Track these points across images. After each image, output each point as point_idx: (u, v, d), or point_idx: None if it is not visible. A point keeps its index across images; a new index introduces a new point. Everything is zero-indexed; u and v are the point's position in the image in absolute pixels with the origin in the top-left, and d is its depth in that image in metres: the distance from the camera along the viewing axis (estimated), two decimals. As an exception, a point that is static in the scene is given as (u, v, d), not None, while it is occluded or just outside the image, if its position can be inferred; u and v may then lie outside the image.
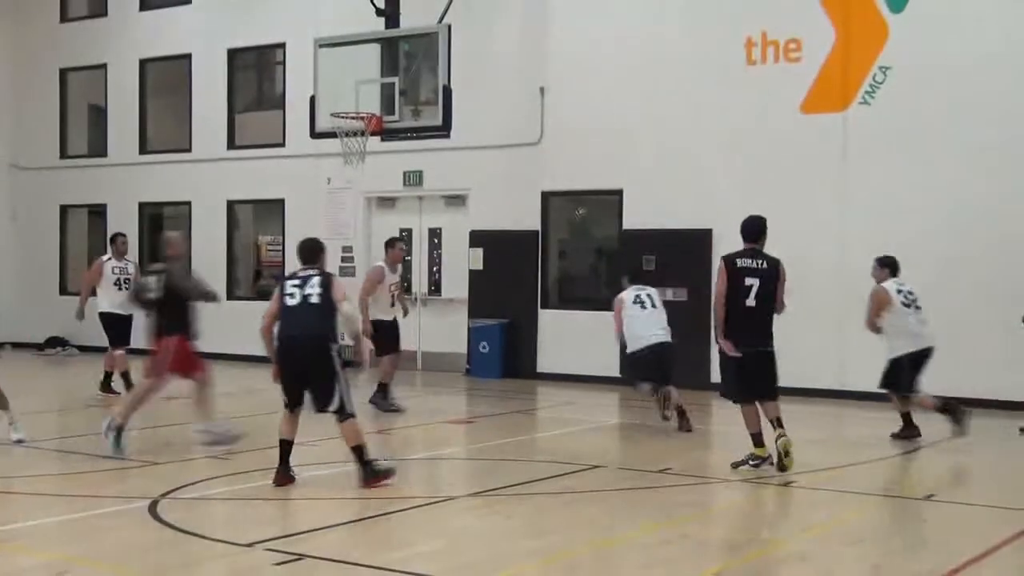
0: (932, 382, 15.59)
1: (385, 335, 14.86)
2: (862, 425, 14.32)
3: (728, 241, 15.17)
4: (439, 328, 19.55)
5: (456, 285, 19.88)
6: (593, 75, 18.35)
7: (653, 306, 13.74)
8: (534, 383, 18.34)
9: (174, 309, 12.21)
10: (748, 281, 10.40)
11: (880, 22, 16.26)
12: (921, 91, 16.02)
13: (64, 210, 24.70)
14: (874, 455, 11.85)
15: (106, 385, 16.22)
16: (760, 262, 10.53)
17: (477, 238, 19.50)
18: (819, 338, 16.23)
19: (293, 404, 9.96)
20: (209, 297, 12.78)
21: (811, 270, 16.04)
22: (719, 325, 10.58)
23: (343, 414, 9.88)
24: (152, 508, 8.93)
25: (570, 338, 18.62)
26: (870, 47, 16.32)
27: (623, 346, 14.04)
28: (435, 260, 20.21)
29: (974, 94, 15.78)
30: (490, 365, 18.92)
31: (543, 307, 18.97)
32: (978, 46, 15.75)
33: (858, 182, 16.40)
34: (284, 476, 9.90)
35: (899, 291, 12.96)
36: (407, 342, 16.91)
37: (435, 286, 20.15)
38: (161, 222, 23.92)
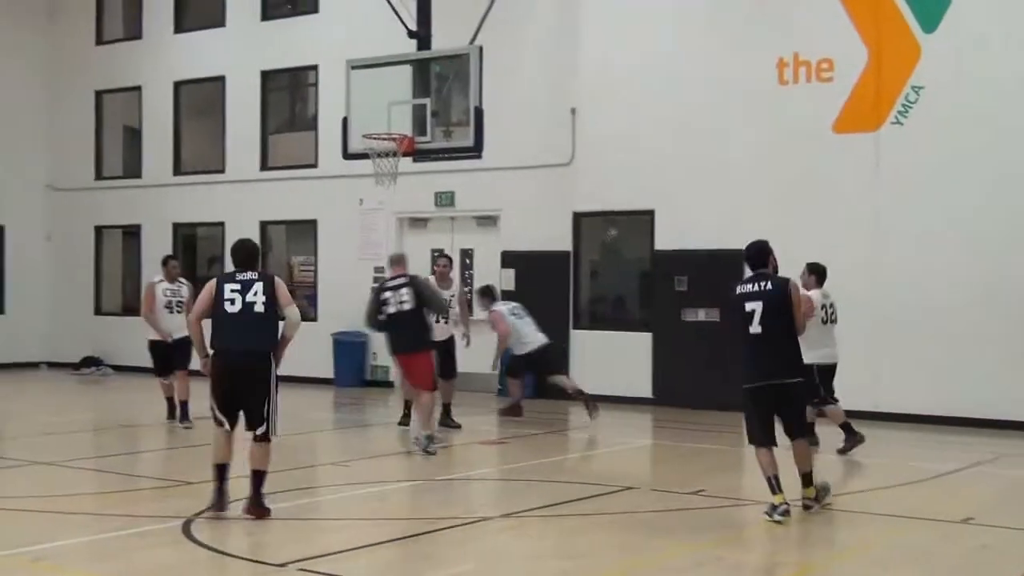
0: (967, 403, 15.53)
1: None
2: (896, 447, 14.23)
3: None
4: (471, 348, 19.52)
5: (488, 305, 19.86)
6: (624, 95, 18.36)
7: (526, 316, 16.45)
8: (566, 404, 18.28)
9: (421, 321, 13.20)
10: (749, 306, 9.60)
11: (912, 42, 16.20)
12: (954, 110, 15.94)
13: (99, 231, 24.90)
14: (910, 477, 11.76)
15: (172, 414, 15.32)
16: (763, 284, 9.66)
17: (509, 259, 19.53)
18: (850, 359, 16.10)
19: (231, 422, 9.35)
20: (445, 310, 14.04)
21: (843, 290, 15.96)
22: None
23: (266, 436, 9.34)
24: (186, 527, 8.95)
25: (602, 359, 18.58)
26: (902, 66, 16.26)
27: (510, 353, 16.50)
28: (467, 281, 20.23)
29: (1008, 113, 15.68)
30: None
31: (575, 328, 18.95)
32: (1011, 65, 15.66)
33: (890, 201, 16.30)
34: (222, 505, 9.29)
35: (823, 306, 13.00)
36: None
37: (467, 306, 20.12)
38: (195, 243, 24.09)
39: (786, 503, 9.31)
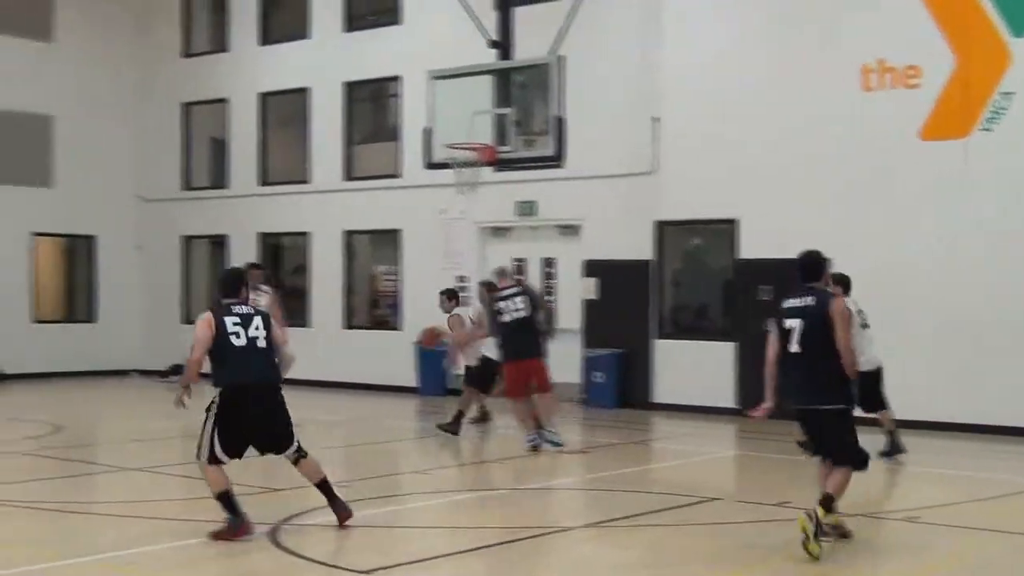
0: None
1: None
2: (976, 459, 13.97)
3: (847, 272, 14.95)
4: (552, 358, 19.47)
5: (570, 315, 19.85)
6: (708, 104, 18.23)
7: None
8: (649, 413, 18.23)
9: (536, 327, 14.04)
10: (788, 323, 8.81)
11: (1001, 46, 15.89)
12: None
13: (186, 240, 25.30)
14: (996, 491, 11.53)
15: None
16: (805, 299, 8.84)
17: (591, 268, 19.49)
18: (938, 369, 15.86)
19: (237, 455, 9.05)
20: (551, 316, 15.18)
21: (930, 299, 15.75)
22: (768, 381, 9.04)
23: (301, 452, 9.22)
24: (272, 534, 9.04)
25: (685, 368, 18.47)
26: (991, 72, 15.95)
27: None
28: (549, 290, 20.23)
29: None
30: (605, 395, 18.85)
31: (658, 337, 18.86)
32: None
33: (978, 209, 15.99)
34: (249, 524, 9.00)
35: (857, 311, 12.79)
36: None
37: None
38: (280, 252, 24.38)
39: (841, 523, 8.87)
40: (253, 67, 24.09)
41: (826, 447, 8.91)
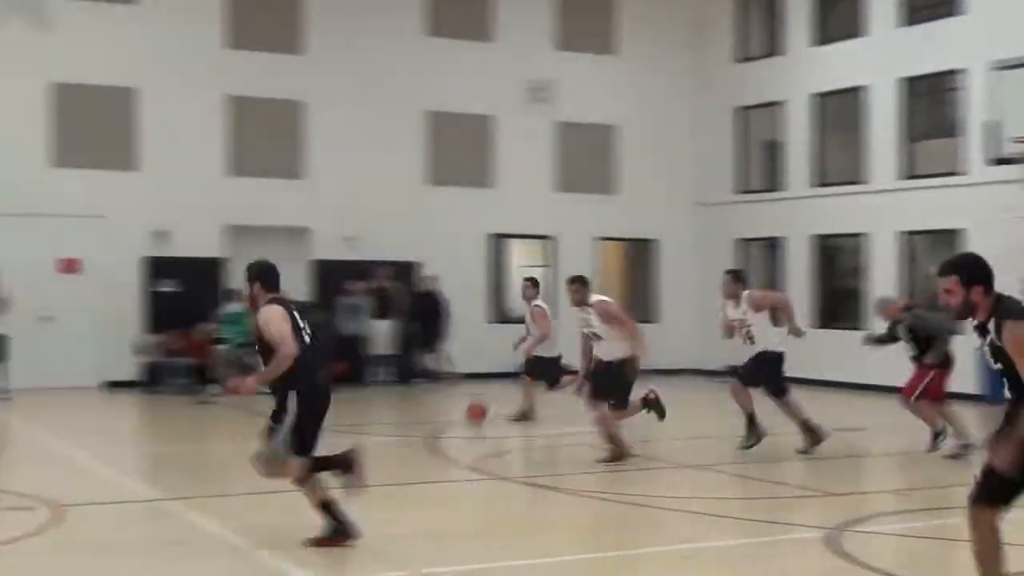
0: None
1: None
2: None
3: None
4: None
5: None
6: None
7: None
8: None
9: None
10: None
11: None
12: None
13: (741, 243, 25.65)
14: None
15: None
16: None
17: None
18: None
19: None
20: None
21: None
22: None
23: None
24: (829, 538, 8.97)
25: None
26: None
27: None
28: None
29: None
30: None
31: None
32: None
33: None
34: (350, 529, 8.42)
35: None
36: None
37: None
38: (833, 254, 24.13)
39: None
40: (807, 68, 24.02)
41: None
